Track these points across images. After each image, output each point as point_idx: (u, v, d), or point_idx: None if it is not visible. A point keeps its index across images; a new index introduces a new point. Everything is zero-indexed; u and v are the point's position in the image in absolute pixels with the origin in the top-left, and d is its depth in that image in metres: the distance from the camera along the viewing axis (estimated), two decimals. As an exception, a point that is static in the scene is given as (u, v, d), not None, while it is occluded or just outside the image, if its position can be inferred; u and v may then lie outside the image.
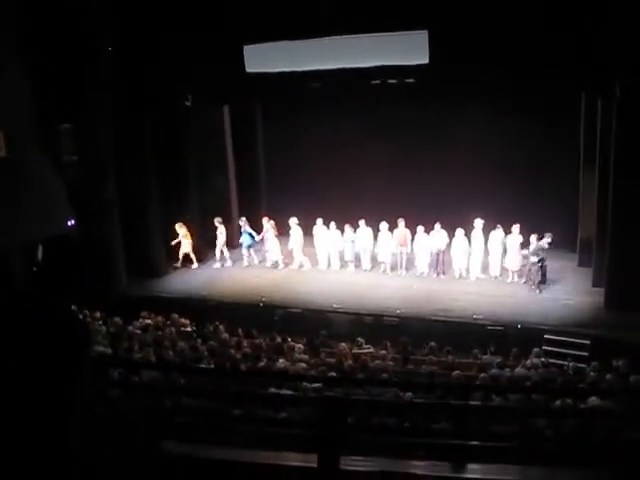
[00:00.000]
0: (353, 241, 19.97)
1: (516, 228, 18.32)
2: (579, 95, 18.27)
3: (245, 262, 21.21)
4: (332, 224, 20.17)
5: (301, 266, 20.66)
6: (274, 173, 23.63)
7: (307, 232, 20.65)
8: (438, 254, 19.10)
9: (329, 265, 20.46)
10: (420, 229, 19.26)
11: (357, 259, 20.21)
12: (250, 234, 20.94)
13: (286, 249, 20.75)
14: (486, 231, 18.68)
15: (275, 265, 20.86)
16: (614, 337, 15.07)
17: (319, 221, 20.45)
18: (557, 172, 19.64)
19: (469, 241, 18.76)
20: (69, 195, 18.39)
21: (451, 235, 18.98)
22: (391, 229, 19.58)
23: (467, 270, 19.02)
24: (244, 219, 21.06)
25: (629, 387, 11.21)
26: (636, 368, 12.14)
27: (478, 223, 18.62)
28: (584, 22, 15.20)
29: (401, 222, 19.53)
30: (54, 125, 18.62)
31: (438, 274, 19.24)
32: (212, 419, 6.99)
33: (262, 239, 20.95)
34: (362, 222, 19.96)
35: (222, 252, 21.21)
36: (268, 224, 20.72)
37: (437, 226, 19.07)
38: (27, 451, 2.95)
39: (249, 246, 21.06)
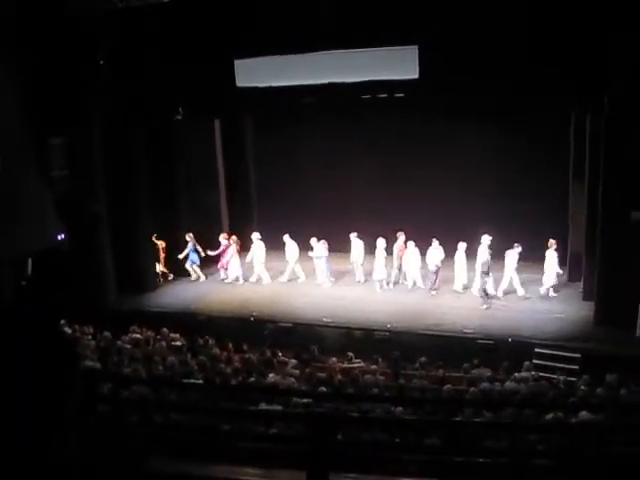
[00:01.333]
0: (319, 257, 19.97)
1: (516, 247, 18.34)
2: (568, 111, 18.36)
3: (193, 277, 21.25)
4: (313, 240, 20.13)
5: (259, 279, 20.70)
6: (265, 187, 23.64)
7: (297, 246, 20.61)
8: (437, 271, 18.79)
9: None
10: (411, 244, 19.21)
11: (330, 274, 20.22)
12: (196, 250, 20.93)
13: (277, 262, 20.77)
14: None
15: (236, 280, 20.82)
16: (604, 351, 15.09)
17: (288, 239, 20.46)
18: (547, 187, 19.67)
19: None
20: (59, 209, 18.37)
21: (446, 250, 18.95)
22: (388, 245, 19.46)
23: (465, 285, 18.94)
24: (191, 235, 20.90)
25: (619, 401, 11.22)
26: (626, 382, 12.17)
27: (486, 239, 18.23)
28: (573, 38, 15.28)
29: (401, 236, 19.44)
30: (45, 139, 18.56)
31: (434, 290, 18.93)
32: (201, 435, 6.95)
33: (220, 255, 20.84)
34: (353, 235, 19.90)
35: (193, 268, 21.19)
36: (226, 240, 20.68)
37: (435, 242, 18.85)
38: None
39: (193, 262, 21.06)
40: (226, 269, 20.89)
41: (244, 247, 21.07)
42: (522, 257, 18.33)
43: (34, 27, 17.28)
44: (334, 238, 20.29)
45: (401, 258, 19.42)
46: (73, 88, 18.40)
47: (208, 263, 21.43)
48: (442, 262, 18.79)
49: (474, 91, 16.69)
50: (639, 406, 10.38)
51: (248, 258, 20.74)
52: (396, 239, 19.47)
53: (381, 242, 19.29)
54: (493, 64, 15.92)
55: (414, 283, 19.50)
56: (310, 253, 20.10)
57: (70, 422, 3.15)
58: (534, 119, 18.69)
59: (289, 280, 20.62)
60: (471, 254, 18.58)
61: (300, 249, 20.31)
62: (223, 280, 20.98)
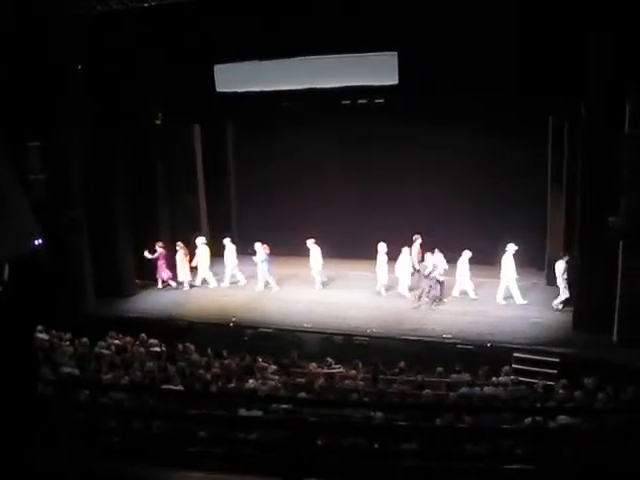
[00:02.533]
0: (263, 261, 20.10)
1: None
2: (546, 117, 18.49)
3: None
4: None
5: (205, 282, 20.91)
6: (245, 192, 23.59)
7: (281, 252, 20.58)
8: (442, 281, 18.51)
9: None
10: (406, 250, 19.08)
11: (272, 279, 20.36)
12: None
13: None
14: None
15: (181, 285, 20.92)
16: (582, 355, 15.19)
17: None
18: (526, 192, 19.79)
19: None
20: (37, 214, 18.17)
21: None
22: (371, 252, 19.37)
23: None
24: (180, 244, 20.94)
25: (597, 405, 11.28)
26: (603, 386, 12.25)
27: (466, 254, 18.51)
28: (550, 45, 15.37)
29: (418, 239, 19.37)
30: (22, 142, 18.40)
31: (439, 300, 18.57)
32: (177, 441, 6.90)
33: (156, 262, 20.80)
34: (310, 241, 19.91)
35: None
36: (161, 249, 20.60)
37: (437, 252, 18.57)
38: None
39: None
40: (166, 278, 20.90)
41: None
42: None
43: (11, 30, 17.15)
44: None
45: (418, 262, 19.20)
46: (51, 91, 18.26)
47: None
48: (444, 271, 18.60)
49: (453, 97, 16.79)
50: (616, 410, 10.42)
51: (194, 262, 20.86)
52: (387, 243, 19.28)
53: (382, 247, 19.10)
54: (471, 70, 16.02)
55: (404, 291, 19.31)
56: (253, 258, 20.33)
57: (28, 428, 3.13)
58: (512, 125, 18.78)
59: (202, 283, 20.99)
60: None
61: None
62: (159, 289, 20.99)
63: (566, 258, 17.57)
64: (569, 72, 15.49)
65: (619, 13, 14.41)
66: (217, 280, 20.99)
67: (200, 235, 21.35)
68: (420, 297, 18.48)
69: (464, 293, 18.81)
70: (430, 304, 18.25)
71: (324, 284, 20.28)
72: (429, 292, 18.31)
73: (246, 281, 20.85)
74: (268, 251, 20.13)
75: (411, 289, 19.12)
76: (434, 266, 18.17)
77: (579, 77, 15.41)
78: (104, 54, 18.37)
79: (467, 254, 18.56)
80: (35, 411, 6.41)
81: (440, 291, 18.47)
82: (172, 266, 20.89)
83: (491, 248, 18.56)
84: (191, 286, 20.93)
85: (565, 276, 17.55)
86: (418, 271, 19.10)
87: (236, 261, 20.87)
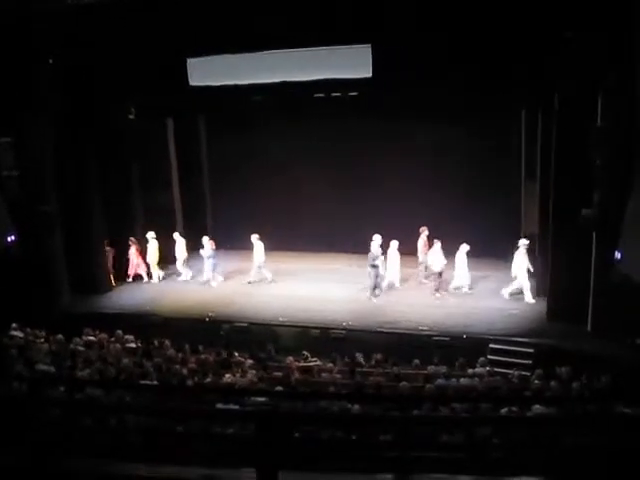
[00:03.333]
0: (210, 257, 20.29)
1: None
2: (520, 109, 18.61)
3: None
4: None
5: (159, 278, 21.22)
6: (219, 187, 23.52)
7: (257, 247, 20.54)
8: (441, 273, 18.63)
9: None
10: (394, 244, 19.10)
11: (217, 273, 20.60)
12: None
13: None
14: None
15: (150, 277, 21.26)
16: (557, 346, 15.34)
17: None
18: (501, 185, 19.93)
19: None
20: (9, 210, 18.02)
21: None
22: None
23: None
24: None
25: (571, 394, 11.40)
26: (578, 375, 12.38)
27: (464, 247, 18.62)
28: (524, 37, 15.44)
29: (424, 231, 19.40)
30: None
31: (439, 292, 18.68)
32: (149, 435, 6.87)
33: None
34: (255, 237, 20.11)
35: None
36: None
37: (437, 244, 18.60)
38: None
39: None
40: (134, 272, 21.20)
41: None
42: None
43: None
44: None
45: (425, 254, 19.26)
46: (22, 87, 18.05)
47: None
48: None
49: (427, 90, 16.84)
50: (590, 399, 10.54)
51: (147, 258, 21.03)
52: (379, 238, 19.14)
53: (394, 244, 19.02)
54: (445, 63, 16.05)
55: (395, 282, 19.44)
56: (201, 251, 20.48)
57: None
58: (486, 119, 18.91)
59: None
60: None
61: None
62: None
63: (525, 245, 17.82)
64: (542, 64, 15.58)
65: (594, 11, 14.50)
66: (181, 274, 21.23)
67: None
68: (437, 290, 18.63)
69: (458, 288, 18.86)
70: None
71: (265, 281, 20.37)
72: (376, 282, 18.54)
73: (191, 275, 21.07)
74: (214, 247, 20.37)
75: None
76: (376, 256, 18.51)
77: (553, 69, 15.51)
78: (75, 48, 18.13)
79: (465, 247, 18.59)
80: (7, 409, 6.35)
81: (439, 283, 18.60)
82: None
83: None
84: (161, 278, 21.13)
85: (524, 266, 17.81)
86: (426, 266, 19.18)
87: (185, 254, 21.10)
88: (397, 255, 19.11)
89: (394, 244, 18.99)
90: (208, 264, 20.38)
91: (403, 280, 19.52)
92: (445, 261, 18.59)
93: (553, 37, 15.25)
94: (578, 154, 15.34)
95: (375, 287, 18.64)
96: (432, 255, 18.67)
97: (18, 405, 6.69)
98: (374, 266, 18.52)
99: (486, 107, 18.02)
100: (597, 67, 14.65)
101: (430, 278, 19.08)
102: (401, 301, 18.36)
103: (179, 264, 21.11)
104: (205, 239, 20.44)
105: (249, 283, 20.32)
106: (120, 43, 17.77)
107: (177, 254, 21.07)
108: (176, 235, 21.11)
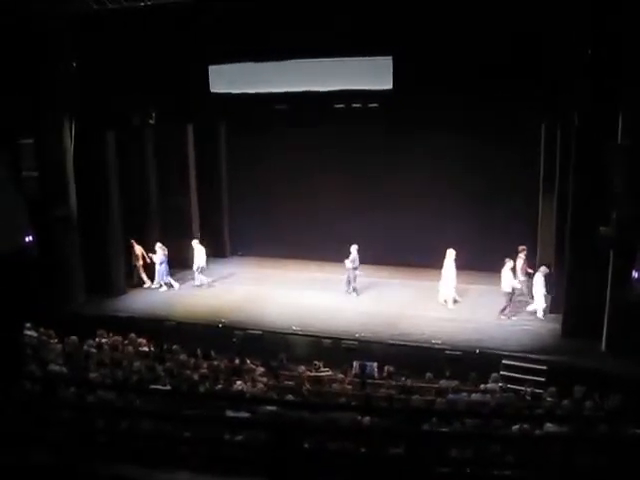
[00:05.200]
0: (162, 263, 20.46)
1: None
2: (539, 124, 18.55)
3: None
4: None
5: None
6: (237, 193, 23.59)
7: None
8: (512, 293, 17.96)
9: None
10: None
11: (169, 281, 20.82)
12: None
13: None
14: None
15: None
16: (571, 363, 15.22)
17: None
18: (518, 199, 19.86)
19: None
20: (28, 210, 18.13)
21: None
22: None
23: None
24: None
25: (584, 413, 11.31)
26: (591, 394, 12.28)
27: (451, 253, 18.40)
28: (544, 52, 15.41)
29: (524, 251, 18.61)
30: (15, 139, 18.36)
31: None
32: (164, 441, 6.87)
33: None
34: (195, 241, 20.63)
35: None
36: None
37: (509, 263, 17.91)
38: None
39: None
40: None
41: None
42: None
43: (6, 26, 17.11)
44: (305, 244, 20.31)
45: (525, 274, 18.50)
46: (45, 89, 18.23)
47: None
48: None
49: (447, 102, 16.78)
50: (601, 418, 10.46)
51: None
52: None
53: (451, 252, 18.49)
54: (466, 76, 16.03)
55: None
56: (153, 257, 20.71)
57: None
58: (507, 133, 18.85)
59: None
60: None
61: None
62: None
63: (545, 271, 17.63)
64: (564, 80, 15.53)
65: (612, 26, 14.46)
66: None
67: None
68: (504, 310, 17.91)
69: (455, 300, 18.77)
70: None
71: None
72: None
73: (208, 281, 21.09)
74: (166, 252, 20.50)
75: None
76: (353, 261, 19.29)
77: (573, 86, 15.46)
78: (100, 52, 18.31)
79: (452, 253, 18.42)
80: (20, 408, 6.38)
81: (509, 304, 17.90)
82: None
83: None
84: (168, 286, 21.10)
85: (542, 287, 17.60)
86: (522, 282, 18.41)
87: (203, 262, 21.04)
88: (453, 266, 18.53)
89: (451, 253, 18.44)
90: (160, 270, 20.64)
91: (418, 293, 19.44)
92: (516, 281, 17.98)
93: (575, 53, 15.21)
94: (597, 171, 15.25)
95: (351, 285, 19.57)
96: (503, 274, 17.81)
97: (32, 405, 6.72)
98: (355, 268, 19.35)
99: (506, 121, 17.95)
100: (618, 84, 14.59)
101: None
102: (415, 314, 18.29)
103: (196, 271, 21.00)
104: (158, 245, 20.57)
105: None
106: (143, 48, 17.92)
107: (196, 261, 20.94)
108: (195, 242, 21.05)
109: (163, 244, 20.73)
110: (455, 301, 18.67)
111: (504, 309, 17.83)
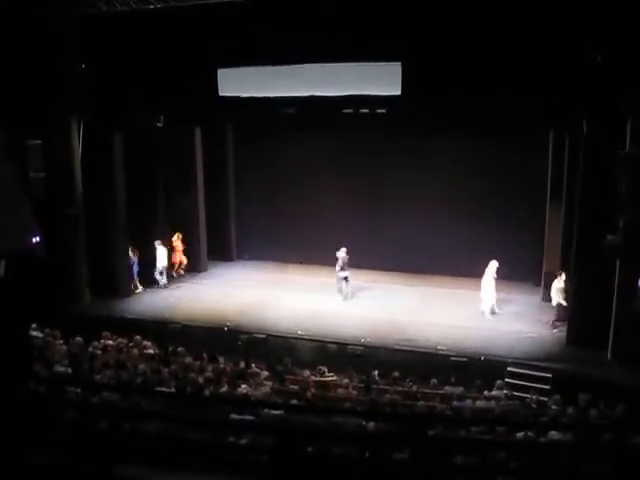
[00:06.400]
0: (133, 263, 20.53)
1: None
2: (547, 131, 18.54)
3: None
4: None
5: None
6: (243, 196, 23.61)
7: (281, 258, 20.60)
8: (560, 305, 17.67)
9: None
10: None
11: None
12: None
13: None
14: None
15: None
16: (576, 371, 15.19)
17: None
18: (525, 206, 19.82)
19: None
20: (35, 211, 18.17)
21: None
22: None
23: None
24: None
25: (589, 421, 11.28)
26: (596, 402, 12.24)
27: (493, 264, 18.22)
28: (554, 59, 15.41)
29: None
30: (22, 140, 18.41)
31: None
32: (168, 443, 6.88)
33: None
34: (157, 242, 20.69)
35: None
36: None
37: (563, 275, 17.60)
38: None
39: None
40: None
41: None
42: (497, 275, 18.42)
43: (15, 29, 17.19)
44: (311, 248, 20.30)
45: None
46: (53, 90, 18.29)
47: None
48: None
49: (455, 109, 16.80)
50: (606, 427, 10.43)
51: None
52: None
53: (493, 263, 18.22)
54: (474, 83, 16.04)
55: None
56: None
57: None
58: (513, 142, 18.87)
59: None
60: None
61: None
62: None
63: (563, 277, 17.52)
64: (572, 87, 15.52)
65: (622, 32, 14.45)
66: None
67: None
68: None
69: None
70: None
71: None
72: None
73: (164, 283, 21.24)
74: (138, 254, 20.51)
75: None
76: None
77: (582, 93, 15.44)
78: (108, 54, 18.39)
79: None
80: (27, 408, 6.39)
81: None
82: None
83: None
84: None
85: (562, 294, 17.47)
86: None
87: (165, 263, 21.18)
88: (493, 277, 18.36)
89: (493, 264, 18.23)
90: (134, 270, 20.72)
91: (424, 298, 19.44)
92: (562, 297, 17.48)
93: (584, 60, 15.19)
94: (605, 179, 15.22)
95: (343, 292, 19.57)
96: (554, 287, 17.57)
97: (38, 406, 6.73)
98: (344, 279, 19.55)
99: (513, 129, 17.96)
100: (627, 92, 14.57)
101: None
102: (421, 320, 18.26)
103: (157, 272, 21.14)
104: (129, 248, 20.57)
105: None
106: (152, 51, 17.99)
107: (158, 262, 21.07)
108: (157, 243, 21.04)
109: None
110: (493, 312, 18.46)
111: (555, 322, 17.58)
